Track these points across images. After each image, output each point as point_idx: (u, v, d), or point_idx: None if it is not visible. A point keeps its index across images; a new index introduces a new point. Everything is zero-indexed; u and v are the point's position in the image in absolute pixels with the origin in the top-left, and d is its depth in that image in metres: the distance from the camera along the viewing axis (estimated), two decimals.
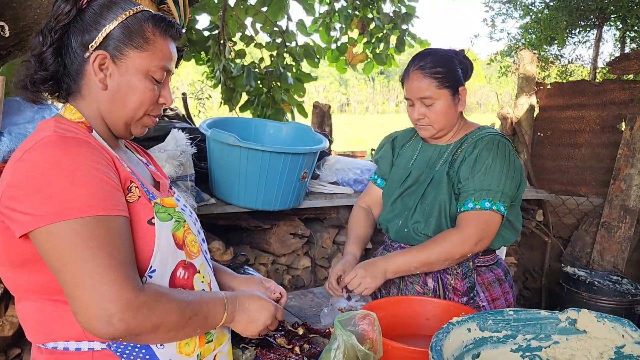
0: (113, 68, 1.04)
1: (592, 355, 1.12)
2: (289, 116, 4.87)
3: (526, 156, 4.03)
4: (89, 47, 1.02)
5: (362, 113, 32.32)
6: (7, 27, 1.80)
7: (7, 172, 0.95)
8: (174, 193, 1.22)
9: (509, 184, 1.60)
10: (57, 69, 1.04)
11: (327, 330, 1.60)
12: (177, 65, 1.16)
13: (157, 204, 1.05)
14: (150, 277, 1.00)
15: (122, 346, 0.99)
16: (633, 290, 3.17)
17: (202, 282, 1.13)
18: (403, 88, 1.73)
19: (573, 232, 3.88)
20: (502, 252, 2.03)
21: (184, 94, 3.64)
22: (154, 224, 1.01)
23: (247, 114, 4.93)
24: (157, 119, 1.16)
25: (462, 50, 1.76)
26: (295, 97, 4.95)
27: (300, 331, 1.54)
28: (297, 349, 1.45)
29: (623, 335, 1.07)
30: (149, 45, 1.05)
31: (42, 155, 0.91)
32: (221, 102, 5.10)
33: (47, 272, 0.93)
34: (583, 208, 3.86)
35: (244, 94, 4.87)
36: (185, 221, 1.10)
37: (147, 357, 1.01)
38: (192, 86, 13.41)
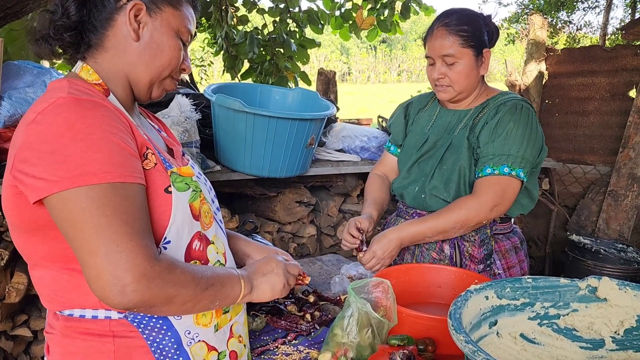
0: (147, 20, 1.02)
1: (612, 323, 1.10)
2: (292, 84, 4.78)
3: None
4: None
5: (364, 82, 31.93)
6: None
7: (19, 133, 0.91)
8: (188, 160, 1.18)
9: (530, 150, 1.56)
10: (81, 19, 1.00)
11: (338, 298, 1.59)
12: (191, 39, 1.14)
13: (174, 173, 1.01)
14: (165, 248, 0.97)
15: (139, 316, 0.97)
16: (638, 259, 3.17)
17: (217, 252, 1.10)
18: (425, 47, 1.68)
19: (579, 201, 3.85)
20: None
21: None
22: (170, 192, 0.98)
23: (249, 82, 4.83)
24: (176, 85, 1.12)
25: (489, 15, 1.69)
26: (299, 64, 4.85)
27: (311, 299, 1.53)
28: (307, 316, 1.44)
29: None
30: (181, 6, 1.06)
31: (57, 118, 0.87)
32: (223, 70, 4.99)
33: (62, 240, 0.90)
34: (590, 177, 3.82)
35: (245, 61, 4.77)
36: (201, 191, 1.07)
37: (165, 327, 0.99)
38: (191, 54, 13.21)
